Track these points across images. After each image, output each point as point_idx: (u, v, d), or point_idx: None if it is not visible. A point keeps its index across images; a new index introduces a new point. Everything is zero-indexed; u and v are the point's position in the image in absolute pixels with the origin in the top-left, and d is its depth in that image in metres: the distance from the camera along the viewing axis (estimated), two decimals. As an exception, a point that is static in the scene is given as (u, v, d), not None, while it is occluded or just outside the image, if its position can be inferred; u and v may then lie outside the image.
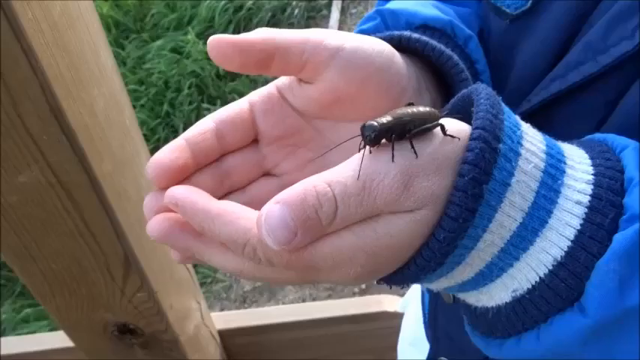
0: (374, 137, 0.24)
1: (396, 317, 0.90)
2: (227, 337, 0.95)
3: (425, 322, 0.55)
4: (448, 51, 0.35)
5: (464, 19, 0.40)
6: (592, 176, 0.26)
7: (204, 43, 2.78)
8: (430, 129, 0.25)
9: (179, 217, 0.28)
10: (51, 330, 2.12)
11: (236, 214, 0.25)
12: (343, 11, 2.95)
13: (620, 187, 0.25)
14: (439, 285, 0.29)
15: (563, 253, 0.25)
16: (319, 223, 0.23)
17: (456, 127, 0.26)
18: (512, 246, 0.25)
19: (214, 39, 0.28)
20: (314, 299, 1.89)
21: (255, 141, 0.33)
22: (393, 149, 0.24)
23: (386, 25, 0.40)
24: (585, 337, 0.24)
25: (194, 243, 0.28)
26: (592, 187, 0.25)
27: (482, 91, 0.27)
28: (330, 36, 0.30)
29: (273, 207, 0.23)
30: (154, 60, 2.65)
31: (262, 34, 0.29)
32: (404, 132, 0.25)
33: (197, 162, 0.30)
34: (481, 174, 0.24)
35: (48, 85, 0.41)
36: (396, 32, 0.35)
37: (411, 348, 0.61)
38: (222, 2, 2.80)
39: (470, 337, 0.31)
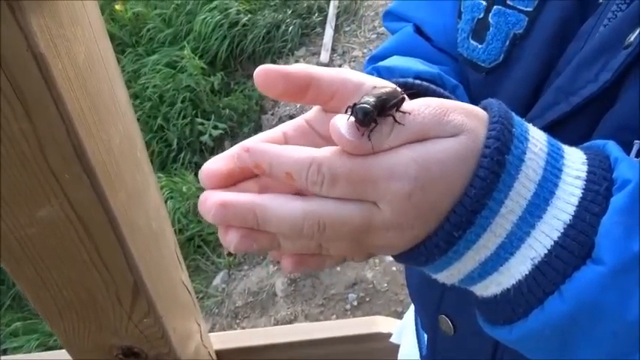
0: (369, 118, 0.29)
1: (390, 338, 0.93)
2: (224, 356, 0.97)
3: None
4: (446, 93, 0.41)
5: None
6: (585, 159, 0.31)
7: (200, 58, 2.82)
8: (401, 102, 0.30)
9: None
10: (39, 344, 2.12)
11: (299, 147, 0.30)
12: (337, 29, 2.99)
13: (608, 167, 0.31)
14: (464, 267, 0.31)
15: (571, 216, 0.29)
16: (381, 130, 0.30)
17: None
18: (528, 214, 0.30)
19: (262, 68, 0.32)
20: (306, 315, 1.91)
21: None
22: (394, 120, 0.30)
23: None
24: (604, 284, 0.28)
25: (256, 198, 0.30)
26: (587, 166, 0.31)
27: (492, 99, 0.33)
28: (353, 73, 0.35)
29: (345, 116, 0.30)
30: (149, 74, 2.67)
31: (301, 66, 0.34)
32: (384, 109, 0.30)
33: (243, 172, 0.33)
34: (502, 146, 0.29)
35: (73, 127, 0.43)
36: (401, 79, 0.41)
37: None
38: (217, 18, 2.83)
39: (491, 334, 0.33)
